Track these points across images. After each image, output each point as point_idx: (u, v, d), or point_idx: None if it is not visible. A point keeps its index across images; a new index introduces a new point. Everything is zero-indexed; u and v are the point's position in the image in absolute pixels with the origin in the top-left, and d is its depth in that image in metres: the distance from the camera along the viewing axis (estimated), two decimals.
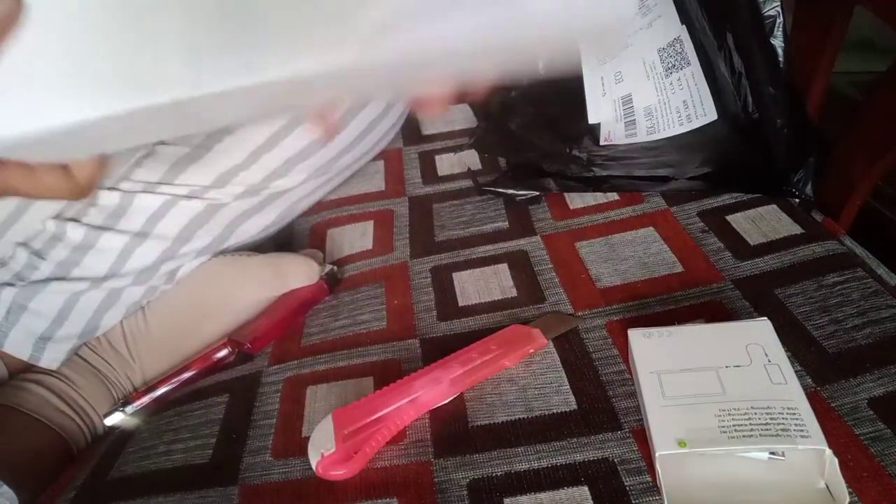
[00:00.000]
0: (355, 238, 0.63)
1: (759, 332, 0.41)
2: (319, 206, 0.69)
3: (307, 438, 0.41)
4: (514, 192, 0.64)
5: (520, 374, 0.45)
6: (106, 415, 0.53)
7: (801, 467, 0.36)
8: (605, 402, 0.42)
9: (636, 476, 0.38)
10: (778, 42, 0.62)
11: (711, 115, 0.66)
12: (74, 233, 0.52)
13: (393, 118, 0.72)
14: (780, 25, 0.62)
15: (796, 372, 0.39)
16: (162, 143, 0.54)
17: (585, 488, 0.37)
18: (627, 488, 0.37)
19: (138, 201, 0.53)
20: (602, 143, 0.67)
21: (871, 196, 0.61)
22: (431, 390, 0.43)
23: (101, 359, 0.55)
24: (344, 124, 0.63)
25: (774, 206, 0.57)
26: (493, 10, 0.23)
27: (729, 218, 0.57)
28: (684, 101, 0.67)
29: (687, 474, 0.36)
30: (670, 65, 0.68)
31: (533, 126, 0.73)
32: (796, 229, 0.54)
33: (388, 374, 0.47)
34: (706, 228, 0.56)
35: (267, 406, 0.47)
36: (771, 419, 0.36)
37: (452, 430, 0.42)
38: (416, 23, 0.23)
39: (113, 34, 0.24)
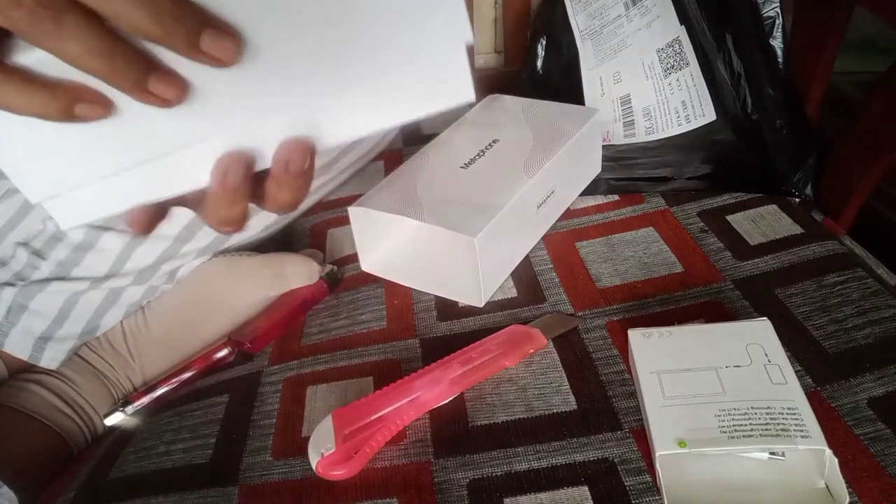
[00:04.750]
0: None
1: (759, 332, 0.41)
2: (319, 206, 0.69)
3: (307, 438, 0.41)
4: None
5: (520, 374, 0.45)
6: (106, 415, 0.53)
7: (801, 467, 0.36)
8: (605, 402, 0.42)
9: (636, 476, 0.38)
10: (777, 43, 0.62)
11: (710, 115, 0.66)
12: (75, 233, 0.52)
13: None
14: (780, 26, 0.62)
15: (796, 372, 0.39)
16: None
17: (585, 488, 0.37)
18: (627, 488, 0.37)
19: None
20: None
21: (871, 196, 0.61)
22: (431, 390, 0.43)
23: (101, 359, 0.55)
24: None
25: (774, 206, 0.57)
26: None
27: (729, 218, 0.57)
28: (683, 102, 0.67)
29: (687, 474, 0.36)
30: (669, 65, 0.68)
31: None
32: (796, 229, 0.54)
33: (388, 374, 0.47)
34: (706, 228, 0.56)
35: (267, 406, 0.47)
36: (771, 419, 0.36)
37: (452, 430, 0.42)
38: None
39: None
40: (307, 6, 0.23)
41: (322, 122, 0.27)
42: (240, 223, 0.30)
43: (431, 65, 0.26)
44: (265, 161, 0.27)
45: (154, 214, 0.29)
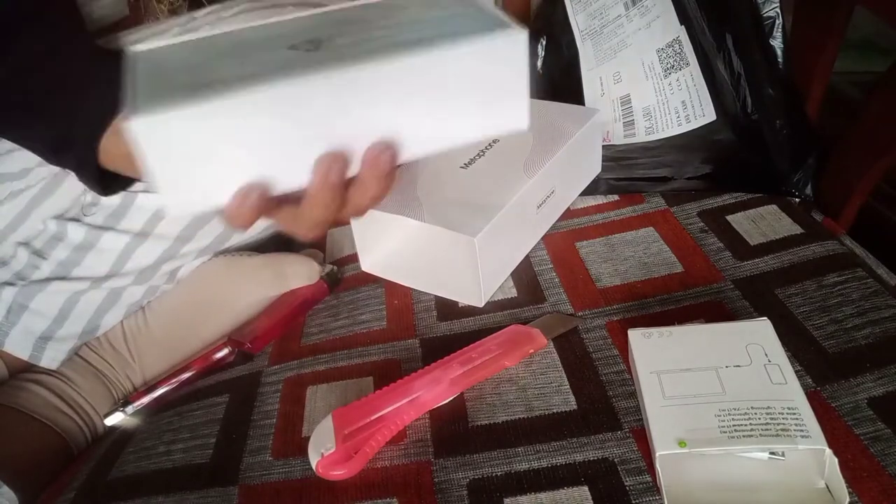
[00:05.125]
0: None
1: (759, 332, 0.41)
2: None
3: (307, 438, 0.42)
4: None
5: (520, 374, 0.45)
6: (106, 415, 0.53)
7: (801, 467, 0.36)
8: (605, 402, 0.42)
9: (636, 476, 0.38)
10: (777, 43, 0.62)
11: (710, 115, 0.66)
12: (75, 233, 0.52)
13: None
14: (780, 26, 0.62)
15: (796, 372, 0.39)
16: None
17: (585, 488, 0.37)
18: (627, 488, 0.37)
19: (139, 201, 0.53)
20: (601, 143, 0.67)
21: (871, 196, 0.61)
22: (431, 390, 0.43)
23: (101, 359, 0.55)
24: None
25: (774, 206, 0.57)
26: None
27: (729, 218, 0.57)
28: (683, 102, 0.67)
29: (687, 474, 0.36)
30: (669, 65, 0.68)
31: None
32: (796, 229, 0.54)
33: (388, 374, 0.47)
34: (706, 228, 0.56)
35: (267, 406, 0.47)
36: (771, 419, 0.36)
37: (452, 430, 0.42)
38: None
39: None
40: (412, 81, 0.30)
41: (401, 140, 0.31)
42: (326, 229, 0.34)
43: (499, 102, 0.31)
44: (355, 167, 0.32)
45: (250, 198, 0.30)
